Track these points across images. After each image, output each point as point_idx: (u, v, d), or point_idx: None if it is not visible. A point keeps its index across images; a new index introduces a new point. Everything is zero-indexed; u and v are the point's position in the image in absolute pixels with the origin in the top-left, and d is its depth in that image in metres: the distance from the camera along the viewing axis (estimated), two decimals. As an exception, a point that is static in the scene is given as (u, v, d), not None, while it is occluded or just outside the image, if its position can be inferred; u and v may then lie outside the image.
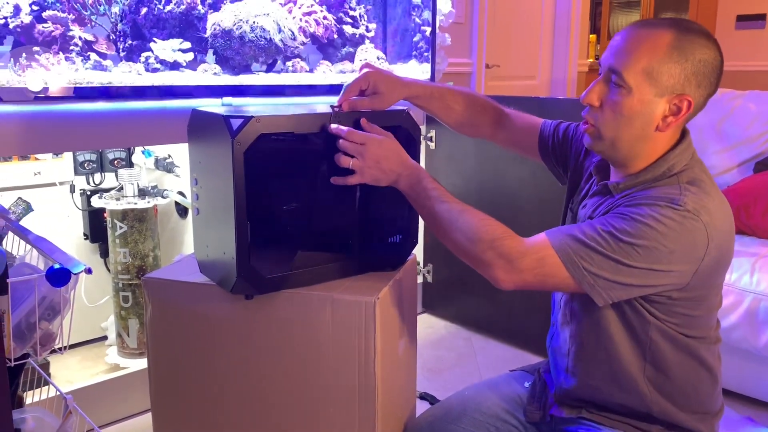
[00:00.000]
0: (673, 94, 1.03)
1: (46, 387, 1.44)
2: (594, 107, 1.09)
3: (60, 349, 1.12)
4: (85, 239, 2.40)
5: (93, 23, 1.78)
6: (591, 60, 5.19)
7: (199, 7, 1.96)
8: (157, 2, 1.88)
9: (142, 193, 2.27)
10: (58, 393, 1.21)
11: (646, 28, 1.05)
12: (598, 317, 1.11)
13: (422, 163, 2.69)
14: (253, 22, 2.04)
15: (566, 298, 1.21)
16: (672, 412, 1.13)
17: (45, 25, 1.70)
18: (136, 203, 2.20)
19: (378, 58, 2.44)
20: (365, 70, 1.25)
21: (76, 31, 1.75)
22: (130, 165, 2.39)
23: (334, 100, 1.29)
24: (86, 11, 1.75)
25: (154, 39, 1.89)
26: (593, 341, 1.15)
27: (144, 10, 1.86)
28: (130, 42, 1.85)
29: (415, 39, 2.60)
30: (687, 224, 1.00)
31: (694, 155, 1.12)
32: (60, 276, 0.97)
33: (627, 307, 1.08)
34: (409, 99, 1.33)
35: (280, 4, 2.16)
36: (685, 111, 1.04)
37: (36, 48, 1.68)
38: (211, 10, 1.99)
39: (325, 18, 2.26)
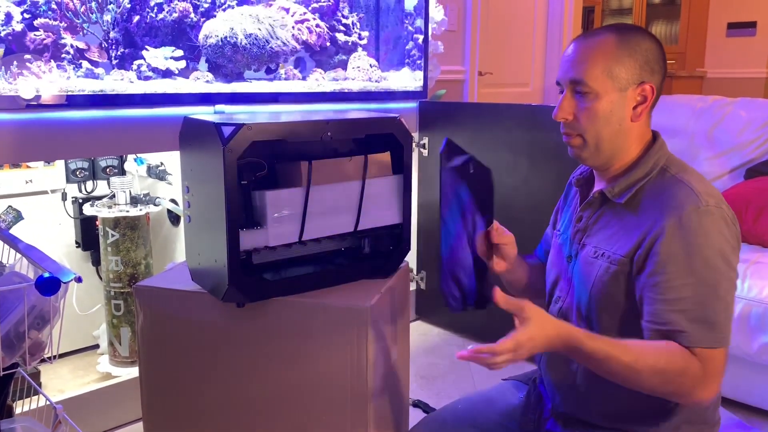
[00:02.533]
0: (635, 84, 1.11)
1: (37, 396, 1.43)
2: (568, 121, 1.14)
3: (49, 358, 1.11)
4: (77, 247, 2.39)
5: (85, 31, 1.78)
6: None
7: (192, 15, 1.96)
8: (149, 10, 1.89)
9: (135, 200, 2.26)
10: (48, 402, 1.20)
11: (591, 38, 1.13)
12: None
13: (415, 171, 2.70)
14: (246, 30, 2.04)
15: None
16: (676, 423, 1.13)
17: (37, 33, 1.69)
18: (128, 211, 2.19)
19: (371, 65, 2.44)
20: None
21: (68, 39, 1.74)
22: (123, 173, 2.38)
23: (326, 107, 1.30)
24: (78, 19, 1.75)
25: (147, 47, 1.89)
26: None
27: (136, 18, 1.86)
28: (122, 50, 1.85)
29: (408, 47, 2.60)
30: (727, 217, 1.07)
31: (669, 152, 1.18)
32: (50, 285, 0.97)
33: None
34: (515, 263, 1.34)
35: (273, 12, 2.16)
36: (651, 96, 1.12)
37: (27, 56, 1.68)
38: (204, 18, 1.99)
39: (317, 26, 2.27)
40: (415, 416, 1.52)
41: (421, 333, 2.78)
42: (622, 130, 1.12)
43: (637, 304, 1.08)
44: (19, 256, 1.17)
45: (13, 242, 1.18)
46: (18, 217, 2.05)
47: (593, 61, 1.10)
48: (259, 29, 2.07)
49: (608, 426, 1.17)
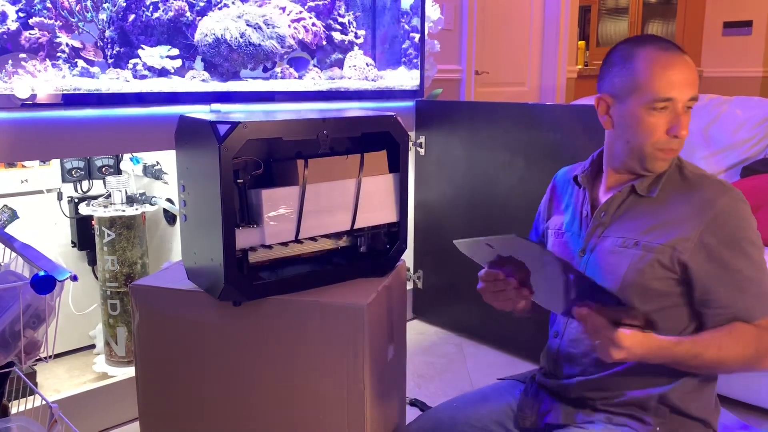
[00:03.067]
0: None
1: (32, 396, 1.42)
2: (684, 137, 1.18)
3: (45, 357, 1.11)
4: (72, 247, 2.38)
5: (80, 30, 1.77)
6: (580, 66, 5.22)
7: (188, 13, 1.96)
8: (145, 9, 1.88)
9: (130, 200, 2.25)
10: (43, 402, 1.19)
11: (685, 54, 1.19)
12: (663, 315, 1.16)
13: (411, 170, 2.70)
14: (242, 29, 2.03)
15: None
16: (689, 399, 1.18)
17: (32, 31, 1.69)
18: (124, 210, 2.19)
19: (367, 64, 2.44)
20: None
21: (63, 38, 1.74)
22: (118, 172, 2.38)
23: (322, 106, 1.30)
24: (73, 18, 1.75)
25: (142, 46, 1.89)
26: None
27: (132, 17, 1.86)
28: (117, 49, 1.85)
29: (404, 46, 2.60)
30: (750, 209, 1.17)
31: None
32: (45, 283, 0.96)
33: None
34: None
35: (269, 11, 2.16)
36: None
37: (23, 55, 1.67)
38: (200, 17, 1.99)
39: (314, 25, 2.26)
40: (412, 415, 1.52)
41: (418, 332, 2.78)
42: None
43: (671, 287, 1.15)
44: (14, 255, 1.16)
45: (9, 241, 1.18)
46: (13, 216, 2.05)
47: (696, 77, 1.19)
48: (255, 28, 2.07)
49: (614, 406, 1.19)
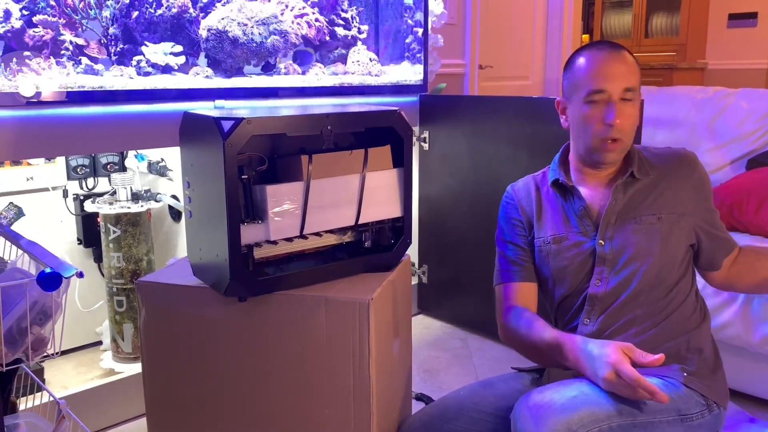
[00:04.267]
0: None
1: (40, 393, 1.43)
2: (620, 126, 1.28)
3: (52, 354, 1.11)
4: (78, 244, 2.39)
5: (84, 27, 1.77)
6: (584, 60, 5.18)
7: (191, 10, 1.96)
8: (148, 6, 1.88)
9: (136, 197, 2.26)
10: (51, 398, 1.20)
11: (622, 51, 1.30)
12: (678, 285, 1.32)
13: (416, 164, 2.69)
14: (245, 25, 2.03)
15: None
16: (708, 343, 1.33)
17: (36, 29, 1.69)
18: (129, 207, 2.20)
19: (370, 59, 2.44)
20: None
21: (67, 35, 1.74)
22: (123, 169, 2.38)
23: (326, 101, 1.30)
24: (77, 15, 1.75)
25: (146, 42, 1.89)
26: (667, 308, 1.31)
27: (135, 14, 1.86)
28: (121, 46, 1.85)
29: (408, 40, 2.60)
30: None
31: None
32: (51, 280, 0.97)
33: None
34: None
35: (272, 6, 2.15)
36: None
37: (27, 53, 1.68)
38: (203, 14, 1.99)
39: (317, 20, 2.26)
40: (418, 409, 1.52)
41: (424, 327, 2.78)
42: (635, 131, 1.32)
43: (688, 252, 1.33)
44: (20, 252, 1.17)
45: (15, 238, 1.19)
46: (19, 213, 2.05)
47: (636, 72, 1.29)
48: (259, 24, 2.07)
49: None
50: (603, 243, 1.32)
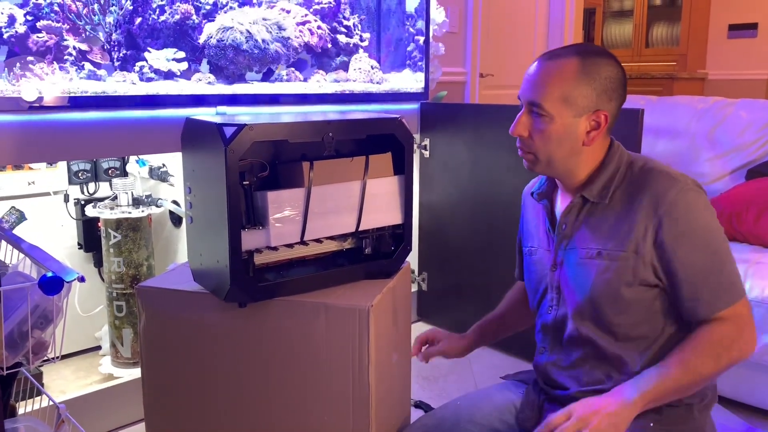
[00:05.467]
0: (590, 111, 1.15)
1: (39, 397, 1.43)
2: (524, 137, 1.19)
3: (53, 358, 1.11)
4: (79, 249, 2.39)
5: (87, 33, 1.78)
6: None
7: (194, 16, 1.97)
8: (151, 12, 1.89)
9: (137, 202, 2.26)
10: (50, 402, 1.20)
11: (553, 60, 1.17)
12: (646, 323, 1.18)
13: (416, 172, 2.70)
14: (247, 32, 2.04)
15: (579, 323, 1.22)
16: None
17: (39, 35, 1.70)
18: (130, 212, 2.20)
19: (372, 67, 2.45)
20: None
21: (71, 40, 1.75)
22: (125, 174, 2.39)
23: (328, 108, 1.30)
24: (80, 21, 1.76)
25: (149, 48, 1.90)
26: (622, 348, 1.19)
27: (138, 20, 1.87)
28: (124, 51, 1.86)
29: (409, 48, 2.61)
30: (702, 190, 1.16)
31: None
32: (53, 284, 0.97)
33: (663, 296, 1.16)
34: (474, 346, 1.46)
35: (275, 14, 2.17)
36: (604, 124, 1.16)
37: (30, 58, 1.68)
38: (206, 20, 2.00)
39: (319, 28, 2.27)
40: (417, 417, 1.52)
41: (423, 334, 2.78)
42: (574, 152, 1.18)
43: (639, 294, 1.15)
44: (22, 256, 1.17)
45: (17, 242, 1.19)
46: (21, 217, 2.06)
47: (552, 86, 1.14)
48: (261, 31, 2.08)
49: None
50: (554, 268, 1.25)
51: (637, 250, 1.13)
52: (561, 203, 1.27)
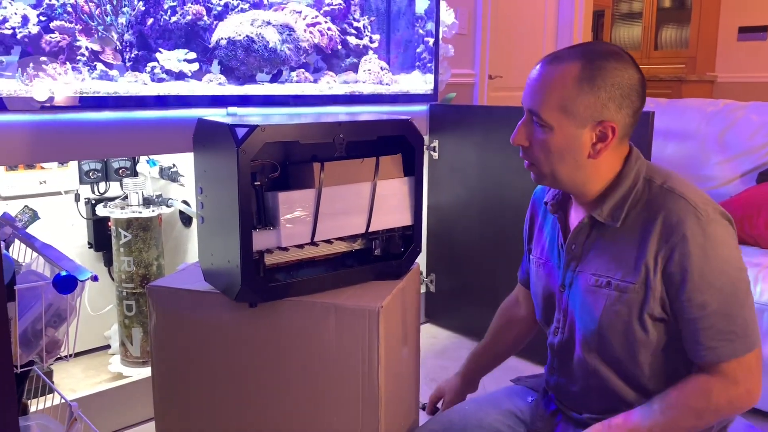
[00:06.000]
0: (594, 122, 1.04)
1: (50, 395, 1.44)
2: (525, 147, 1.11)
3: (66, 356, 1.12)
4: (89, 248, 2.41)
5: (100, 33, 1.80)
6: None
7: (205, 17, 1.98)
8: (163, 13, 1.90)
9: (147, 202, 2.28)
10: (62, 401, 1.21)
11: (554, 64, 1.06)
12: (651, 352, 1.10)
13: (425, 173, 2.70)
14: (258, 33, 2.05)
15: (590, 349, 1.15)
16: None
17: (52, 35, 1.71)
18: (140, 212, 2.21)
19: (381, 68, 2.46)
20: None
21: (83, 41, 1.76)
22: (135, 174, 2.40)
23: (337, 110, 1.31)
24: (93, 22, 1.77)
25: (160, 49, 1.91)
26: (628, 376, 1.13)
27: (150, 21, 1.88)
28: (136, 52, 1.87)
29: (419, 50, 2.61)
30: (725, 220, 1.05)
31: (647, 161, 1.13)
32: (67, 283, 0.98)
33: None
34: (470, 380, 1.48)
35: (285, 15, 2.17)
36: (612, 136, 1.05)
37: (43, 58, 1.70)
38: (217, 21, 2.01)
39: (329, 29, 2.28)
40: (425, 419, 1.52)
41: (431, 336, 2.78)
42: (579, 166, 1.07)
43: (649, 329, 1.07)
44: (35, 254, 1.18)
45: (30, 241, 1.20)
46: (34, 216, 2.07)
47: (550, 94, 1.04)
48: (271, 32, 2.09)
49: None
50: (563, 289, 1.17)
51: (647, 282, 1.04)
52: (574, 218, 1.18)
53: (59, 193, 2.30)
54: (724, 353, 1.02)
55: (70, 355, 1.11)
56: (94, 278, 1.01)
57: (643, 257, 1.04)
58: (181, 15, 1.93)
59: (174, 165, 2.38)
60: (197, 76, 1.98)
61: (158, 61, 1.90)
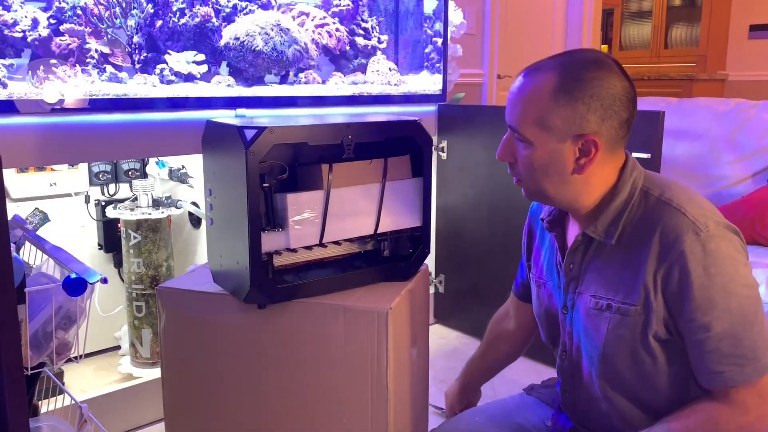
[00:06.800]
0: (574, 135, 0.99)
1: (61, 396, 1.45)
2: (510, 163, 1.07)
3: (76, 357, 1.13)
4: (99, 249, 2.42)
5: (109, 36, 1.80)
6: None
7: (213, 19, 1.99)
8: (171, 15, 1.91)
9: (156, 203, 2.28)
10: (72, 402, 1.22)
11: (530, 77, 1.01)
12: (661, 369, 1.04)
13: (434, 174, 2.70)
14: (266, 35, 2.06)
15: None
16: None
17: (62, 38, 1.72)
18: (150, 214, 2.22)
19: (390, 69, 2.45)
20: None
21: (93, 43, 1.77)
22: (144, 176, 2.41)
23: (346, 111, 1.30)
24: (102, 24, 1.78)
25: (169, 51, 1.92)
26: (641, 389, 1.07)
27: (159, 23, 1.89)
28: (145, 54, 1.88)
29: (427, 50, 2.61)
30: (727, 233, 0.97)
31: (643, 169, 1.08)
32: (77, 285, 0.98)
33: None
34: (471, 385, 1.49)
35: (293, 17, 2.18)
36: (595, 150, 0.99)
37: (53, 60, 1.71)
38: (225, 23, 2.02)
39: (337, 30, 2.28)
40: (434, 421, 1.52)
41: (440, 337, 2.78)
42: (565, 181, 1.02)
43: (656, 353, 1.01)
44: (45, 257, 1.19)
45: (40, 243, 1.21)
46: (44, 218, 2.08)
47: (525, 108, 1.00)
48: (280, 33, 2.09)
49: None
50: (566, 311, 1.13)
51: (647, 304, 0.98)
52: (571, 235, 1.12)
53: (69, 195, 2.31)
54: (732, 378, 0.95)
55: (80, 357, 1.12)
56: (104, 281, 1.02)
57: (641, 277, 0.98)
58: (189, 17, 1.94)
59: (183, 167, 2.39)
60: (206, 77, 1.99)
61: (167, 63, 1.91)
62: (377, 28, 2.41)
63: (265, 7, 2.10)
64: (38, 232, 1.99)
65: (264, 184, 1.21)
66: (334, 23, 2.27)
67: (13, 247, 1.27)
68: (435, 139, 2.73)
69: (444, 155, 2.73)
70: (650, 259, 0.97)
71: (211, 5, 1.97)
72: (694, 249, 0.94)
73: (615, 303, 1.02)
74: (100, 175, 2.33)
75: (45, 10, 1.70)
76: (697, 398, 1.00)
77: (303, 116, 2.06)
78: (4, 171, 2.08)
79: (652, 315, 0.99)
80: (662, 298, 0.98)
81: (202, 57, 1.97)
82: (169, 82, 1.91)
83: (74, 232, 2.36)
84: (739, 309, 0.95)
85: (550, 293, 1.18)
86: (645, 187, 1.03)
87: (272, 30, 2.07)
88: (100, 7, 1.76)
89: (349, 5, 2.31)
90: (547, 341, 1.25)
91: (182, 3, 1.92)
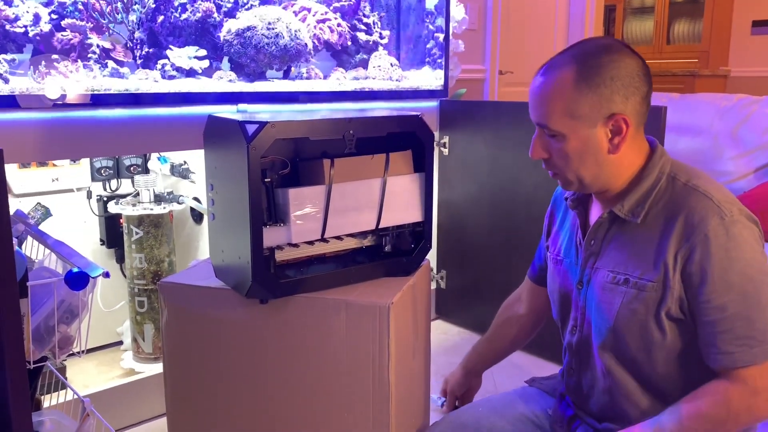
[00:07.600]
0: (604, 118, 1.04)
1: (63, 391, 1.45)
2: (545, 159, 1.11)
3: (78, 352, 1.13)
4: (101, 245, 2.42)
5: (111, 31, 1.80)
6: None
7: (215, 14, 1.98)
8: (173, 10, 1.91)
9: (158, 199, 2.28)
10: (75, 396, 1.22)
11: (549, 74, 1.07)
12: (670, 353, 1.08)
13: (435, 169, 2.70)
14: (268, 30, 2.05)
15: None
16: None
17: (64, 33, 1.72)
18: (152, 209, 2.22)
19: (391, 64, 2.45)
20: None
21: (94, 39, 1.77)
22: (146, 171, 2.41)
23: (347, 106, 1.30)
24: (104, 19, 1.78)
25: (171, 46, 1.92)
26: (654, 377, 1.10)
27: (161, 18, 1.89)
28: (146, 49, 1.88)
29: (429, 45, 2.61)
30: (750, 221, 1.03)
31: (672, 158, 1.13)
32: (79, 279, 0.99)
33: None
34: (474, 371, 1.52)
35: (295, 12, 2.17)
36: (626, 127, 1.05)
37: (55, 56, 1.71)
38: (227, 18, 2.01)
39: (339, 25, 2.28)
40: (436, 415, 1.52)
41: (441, 332, 2.78)
42: (601, 164, 1.07)
43: (666, 328, 1.05)
44: (47, 251, 1.19)
45: (42, 238, 1.21)
46: (47, 213, 2.08)
47: (552, 104, 1.05)
48: (281, 29, 2.08)
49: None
50: (581, 286, 1.17)
51: (665, 281, 1.03)
52: (594, 215, 1.17)
53: (71, 191, 2.31)
54: (742, 359, 0.99)
55: (83, 351, 1.12)
56: (106, 275, 1.02)
57: (662, 255, 1.03)
58: (191, 12, 1.94)
59: (185, 162, 2.39)
60: (207, 73, 1.98)
61: (169, 59, 1.91)
62: (379, 23, 2.41)
63: (267, 2, 2.09)
64: (40, 227, 1.99)
65: (265, 179, 1.21)
66: (335, 18, 2.27)
67: (15, 241, 1.28)
68: (437, 134, 2.72)
69: (446, 151, 2.73)
70: (673, 238, 1.02)
71: (212, 0, 1.97)
72: (718, 232, 0.99)
73: (633, 278, 1.06)
74: (102, 171, 2.33)
75: (46, 5, 1.70)
76: (707, 380, 1.03)
77: (305, 111, 2.06)
78: (6, 166, 2.08)
79: (668, 292, 1.03)
80: (680, 278, 1.02)
81: (203, 52, 1.97)
82: (171, 77, 1.91)
83: (76, 228, 2.36)
84: (755, 292, 0.99)
85: (566, 270, 1.22)
86: (673, 173, 1.08)
87: (274, 25, 2.07)
88: (101, 2, 1.76)
89: (350, 0, 2.30)
90: (557, 318, 1.28)
91: (184, -2, 1.92)
